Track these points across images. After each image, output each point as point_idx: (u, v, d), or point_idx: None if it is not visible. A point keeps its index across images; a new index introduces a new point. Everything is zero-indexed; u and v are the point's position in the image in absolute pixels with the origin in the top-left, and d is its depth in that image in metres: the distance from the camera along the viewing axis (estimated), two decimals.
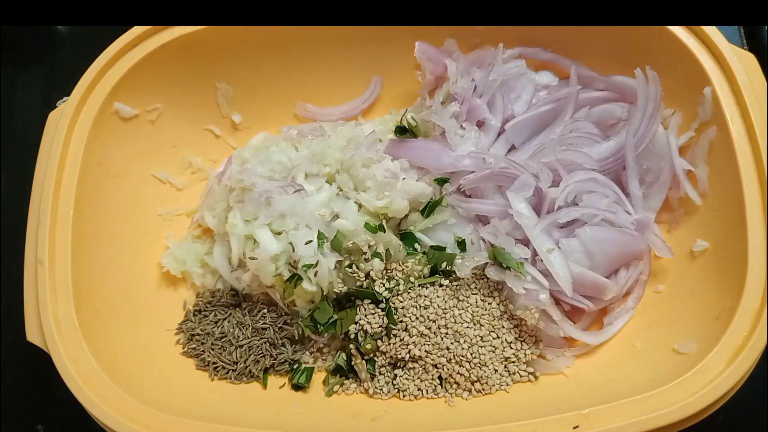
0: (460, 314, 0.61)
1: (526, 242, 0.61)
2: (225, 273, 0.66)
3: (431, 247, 0.64)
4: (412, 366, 0.61)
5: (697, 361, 0.49)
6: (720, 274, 0.55)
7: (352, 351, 0.62)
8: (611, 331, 0.61)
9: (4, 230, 0.77)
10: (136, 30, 0.66)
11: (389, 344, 0.61)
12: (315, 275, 0.61)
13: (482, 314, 0.62)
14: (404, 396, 0.61)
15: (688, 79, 0.60)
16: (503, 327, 0.61)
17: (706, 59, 0.59)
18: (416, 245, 0.64)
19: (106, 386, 0.54)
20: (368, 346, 0.61)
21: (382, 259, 0.63)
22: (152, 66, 0.67)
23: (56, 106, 0.65)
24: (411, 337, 0.61)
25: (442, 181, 0.65)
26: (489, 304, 0.62)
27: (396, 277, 0.63)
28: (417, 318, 0.61)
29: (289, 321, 0.65)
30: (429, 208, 0.65)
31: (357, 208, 0.64)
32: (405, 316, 0.61)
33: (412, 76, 0.72)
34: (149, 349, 0.63)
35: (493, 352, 0.61)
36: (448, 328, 0.61)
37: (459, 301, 0.62)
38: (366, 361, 0.62)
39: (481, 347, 0.61)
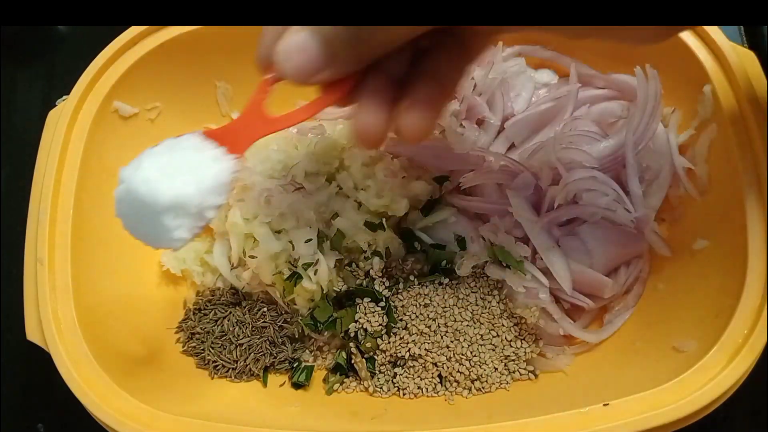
0: (459, 313, 0.61)
1: (525, 240, 0.61)
2: (225, 271, 0.66)
3: (431, 245, 0.64)
4: (412, 364, 0.61)
5: (697, 359, 0.49)
6: (720, 272, 0.55)
7: (351, 349, 0.62)
8: (611, 329, 0.61)
9: (4, 229, 0.77)
10: (135, 29, 0.66)
11: (389, 342, 0.61)
12: (315, 274, 0.61)
13: (482, 312, 0.62)
14: (404, 394, 0.61)
15: (687, 77, 0.60)
16: (503, 325, 0.61)
17: (706, 57, 0.59)
18: (416, 244, 0.64)
19: (106, 385, 0.54)
20: (368, 345, 0.61)
21: (381, 258, 0.63)
22: (151, 64, 0.66)
23: (56, 105, 0.65)
24: (411, 336, 0.61)
25: (441, 180, 0.65)
26: (489, 302, 0.62)
27: (396, 276, 0.63)
28: (417, 316, 0.61)
29: (289, 319, 0.65)
30: (429, 207, 0.65)
31: (357, 206, 0.64)
32: (405, 314, 0.61)
33: None
34: (149, 348, 0.63)
35: (493, 350, 0.61)
36: (447, 326, 0.61)
37: (459, 299, 0.62)
38: (366, 359, 0.62)
39: (481, 345, 0.61)
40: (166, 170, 0.43)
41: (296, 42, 0.40)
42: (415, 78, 0.43)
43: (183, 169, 0.44)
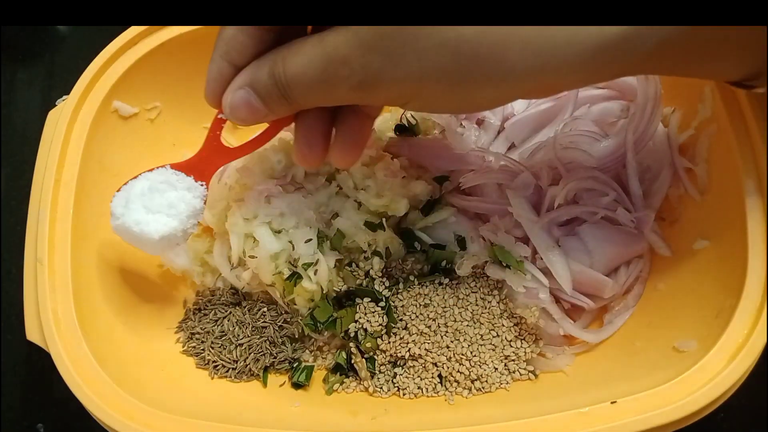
0: (459, 313, 0.61)
1: (525, 240, 0.61)
2: (225, 271, 0.66)
3: (431, 245, 0.64)
4: (412, 364, 0.61)
5: (697, 360, 0.49)
6: (720, 272, 0.55)
7: (351, 349, 0.62)
8: (611, 329, 0.61)
9: (4, 229, 0.77)
10: (135, 29, 0.66)
11: (389, 342, 0.61)
12: (315, 274, 0.61)
13: (482, 312, 0.62)
14: (404, 394, 0.61)
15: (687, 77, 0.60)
16: (503, 325, 0.61)
17: None
18: (416, 244, 0.64)
19: (106, 385, 0.54)
20: (368, 345, 0.61)
21: (381, 258, 0.63)
22: (151, 64, 0.66)
23: (56, 105, 0.65)
24: (411, 336, 0.61)
25: (441, 179, 0.65)
26: (489, 302, 0.62)
27: (396, 276, 0.63)
28: (417, 316, 0.61)
29: (288, 319, 0.65)
30: (429, 207, 0.65)
31: (357, 206, 0.64)
32: (405, 314, 0.61)
33: None
34: (149, 348, 0.63)
35: (493, 350, 0.61)
36: (447, 326, 0.61)
37: (459, 299, 0.62)
38: (366, 359, 0.62)
39: (481, 345, 0.61)
40: (152, 209, 0.54)
41: (239, 98, 0.48)
42: (341, 112, 0.52)
43: (165, 204, 0.54)
